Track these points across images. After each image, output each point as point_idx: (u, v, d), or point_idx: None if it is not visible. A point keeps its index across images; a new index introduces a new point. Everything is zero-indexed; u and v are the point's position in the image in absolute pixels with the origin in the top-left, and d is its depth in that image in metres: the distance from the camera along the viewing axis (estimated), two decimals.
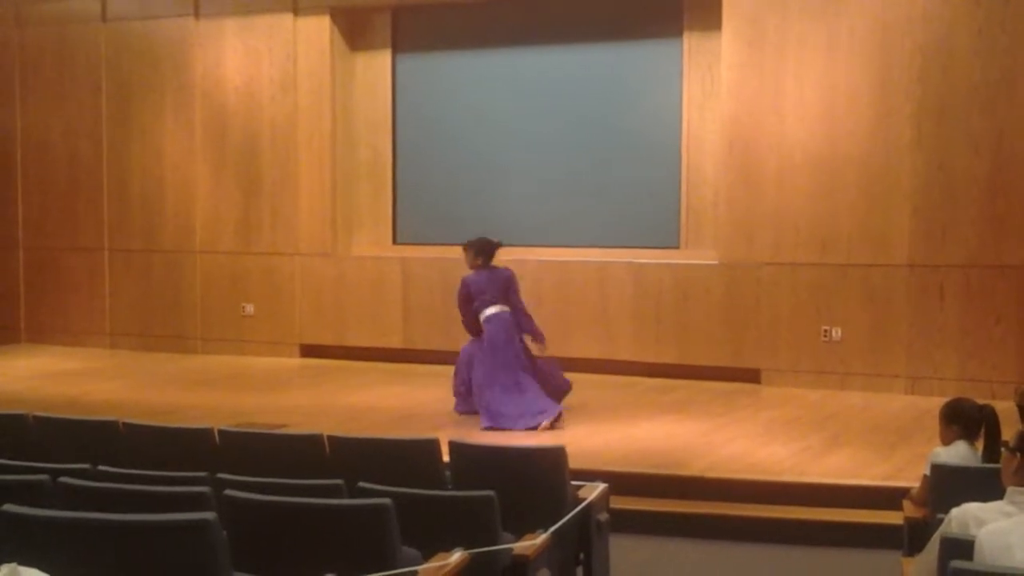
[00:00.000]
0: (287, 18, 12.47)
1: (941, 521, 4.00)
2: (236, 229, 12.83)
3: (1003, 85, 9.85)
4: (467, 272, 9.37)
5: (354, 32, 12.63)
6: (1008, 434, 4.17)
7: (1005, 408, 9.10)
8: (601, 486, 5.81)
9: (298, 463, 5.65)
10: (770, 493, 7.25)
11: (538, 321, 11.50)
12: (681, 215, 11.39)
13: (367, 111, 12.65)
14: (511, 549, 4.75)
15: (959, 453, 5.54)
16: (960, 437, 5.61)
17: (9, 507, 3.84)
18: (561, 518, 5.18)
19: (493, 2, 12.03)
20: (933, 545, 3.88)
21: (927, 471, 5.47)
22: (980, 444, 5.62)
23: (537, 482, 5.49)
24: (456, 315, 11.52)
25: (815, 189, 10.47)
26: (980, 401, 5.83)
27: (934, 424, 5.90)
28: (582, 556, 5.60)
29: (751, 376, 10.68)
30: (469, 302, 9.33)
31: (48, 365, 12.38)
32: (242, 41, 12.70)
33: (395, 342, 12.10)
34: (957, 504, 3.92)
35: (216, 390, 10.80)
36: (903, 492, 5.89)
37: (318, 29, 12.39)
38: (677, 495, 7.34)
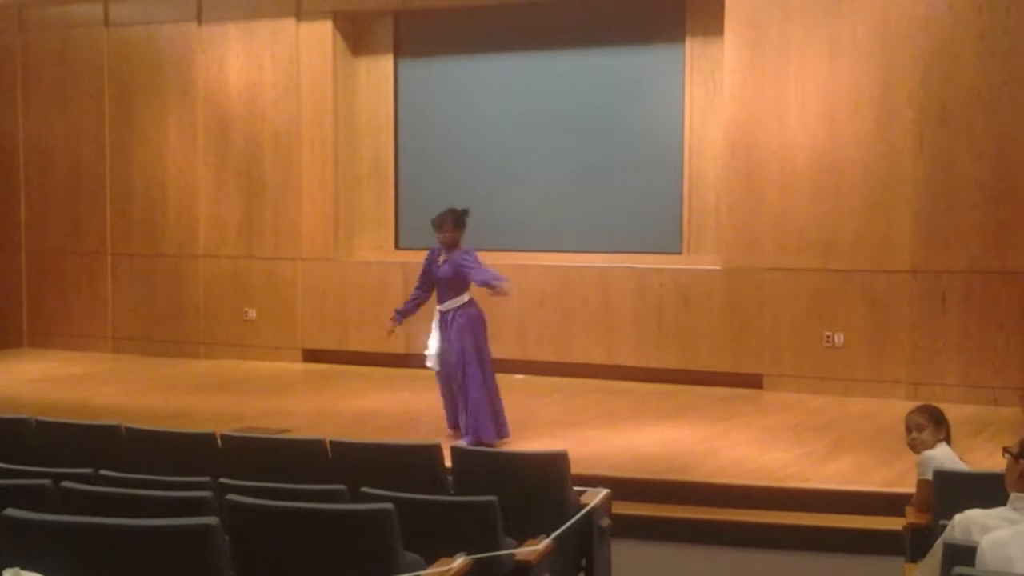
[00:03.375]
0: (290, 23, 12.48)
1: (944, 527, 4.00)
2: (238, 234, 12.84)
3: (1006, 90, 9.85)
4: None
5: (356, 37, 12.64)
6: (1011, 440, 4.17)
7: (1009, 414, 9.14)
8: (603, 491, 5.81)
9: (300, 468, 5.65)
10: (772, 499, 7.24)
11: (540, 326, 11.57)
12: (683, 220, 11.39)
13: (369, 116, 12.65)
14: (513, 555, 4.75)
15: (947, 454, 5.63)
16: (945, 439, 5.69)
17: (11, 511, 3.84)
18: (563, 524, 5.18)
19: (495, 7, 12.03)
20: (936, 551, 3.88)
21: (925, 475, 5.51)
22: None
23: (539, 487, 5.49)
24: None
25: (817, 194, 10.46)
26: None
27: None
28: (584, 562, 5.60)
29: (753, 381, 10.67)
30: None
31: (50, 369, 12.38)
32: (244, 46, 12.71)
33: (397, 347, 12.07)
34: (960, 510, 3.92)
35: (218, 395, 10.80)
36: (905, 498, 5.88)
37: (320, 34, 12.40)
38: (679, 500, 7.33)
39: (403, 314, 8.78)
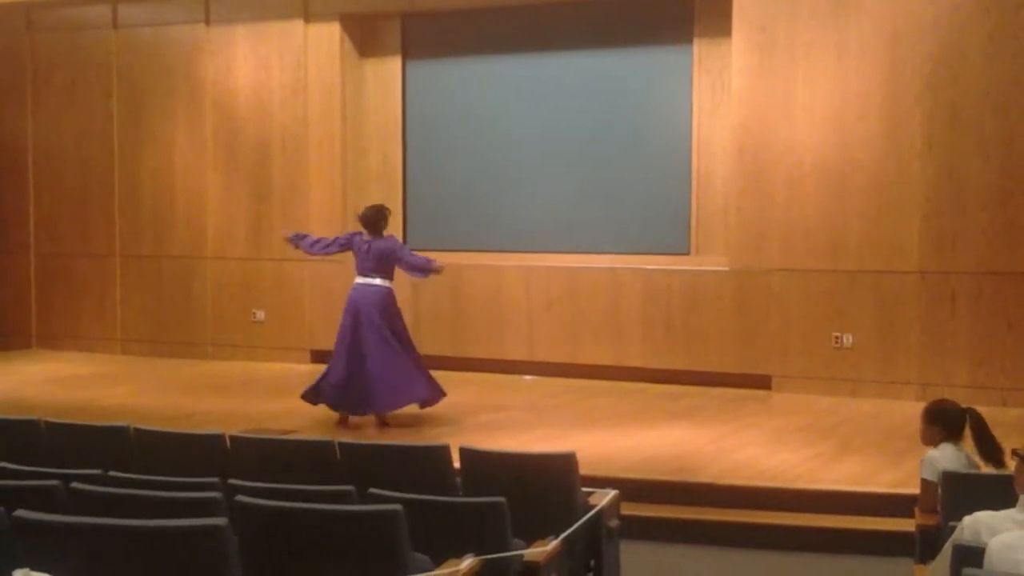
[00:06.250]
0: (298, 24, 12.50)
1: (953, 529, 4.00)
2: (247, 235, 12.86)
3: (1014, 90, 9.83)
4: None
5: (364, 38, 12.65)
6: (1020, 442, 4.17)
7: (1019, 415, 9.12)
8: (611, 493, 5.81)
9: (309, 469, 5.66)
10: (780, 500, 7.23)
11: (548, 327, 11.57)
12: (691, 221, 11.38)
13: (377, 117, 12.66)
14: (522, 556, 4.74)
15: (948, 455, 5.59)
16: (944, 439, 5.65)
17: (21, 512, 3.85)
18: (571, 525, 5.17)
19: (503, 9, 12.04)
20: (945, 553, 3.89)
21: (923, 476, 5.51)
22: (962, 445, 5.68)
23: (547, 489, 5.48)
24: (467, 321, 11.56)
25: (825, 195, 10.45)
26: (984, 408, 5.86)
27: None
28: (592, 563, 5.60)
29: (762, 382, 10.66)
30: (344, 249, 9.63)
31: (59, 370, 12.41)
32: (253, 47, 12.73)
33: None
34: (968, 511, 3.92)
35: (227, 396, 10.81)
36: (914, 499, 5.88)
37: (328, 36, 12.42)
38: (687, 502, 7.33)
39: (299, 239, 9.78)
